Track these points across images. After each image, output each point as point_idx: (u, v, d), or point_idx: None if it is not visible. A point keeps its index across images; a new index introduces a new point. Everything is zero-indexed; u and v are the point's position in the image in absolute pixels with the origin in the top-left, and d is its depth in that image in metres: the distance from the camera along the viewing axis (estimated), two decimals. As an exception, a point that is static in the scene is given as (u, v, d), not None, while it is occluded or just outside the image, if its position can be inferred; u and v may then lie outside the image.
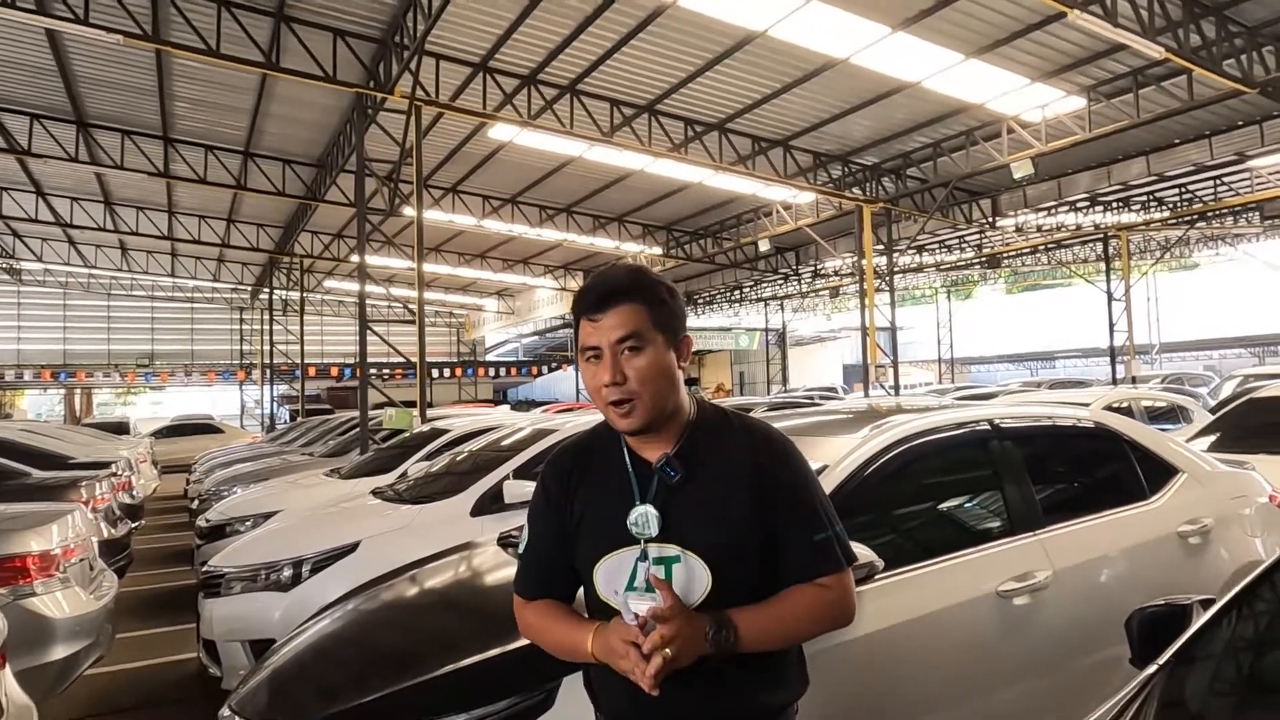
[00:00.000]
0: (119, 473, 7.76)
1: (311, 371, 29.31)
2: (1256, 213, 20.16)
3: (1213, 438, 5.84)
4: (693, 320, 33.79)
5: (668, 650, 1.27)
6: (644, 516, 1.40)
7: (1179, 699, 1.40)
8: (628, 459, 1.47)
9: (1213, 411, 8.63)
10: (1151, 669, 1.42)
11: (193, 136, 14.05)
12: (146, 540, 9.46)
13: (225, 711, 2.27)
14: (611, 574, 1.43)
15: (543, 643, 1.53)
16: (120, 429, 18.82)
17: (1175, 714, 1.38)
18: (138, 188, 16.83)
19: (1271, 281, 26.85)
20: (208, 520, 6.26)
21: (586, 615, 1.50)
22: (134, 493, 8.37)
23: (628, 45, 10.44)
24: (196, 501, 8.55)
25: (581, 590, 1.53)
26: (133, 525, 7.28)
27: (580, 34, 10.15)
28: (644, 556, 1.39)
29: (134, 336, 33.04)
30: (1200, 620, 1.50)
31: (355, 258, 12.67)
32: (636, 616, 1.33)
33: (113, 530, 6.27)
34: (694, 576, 1.38)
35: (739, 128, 13.53)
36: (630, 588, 1.39)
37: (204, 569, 4.51)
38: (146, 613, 6.35)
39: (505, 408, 22.68)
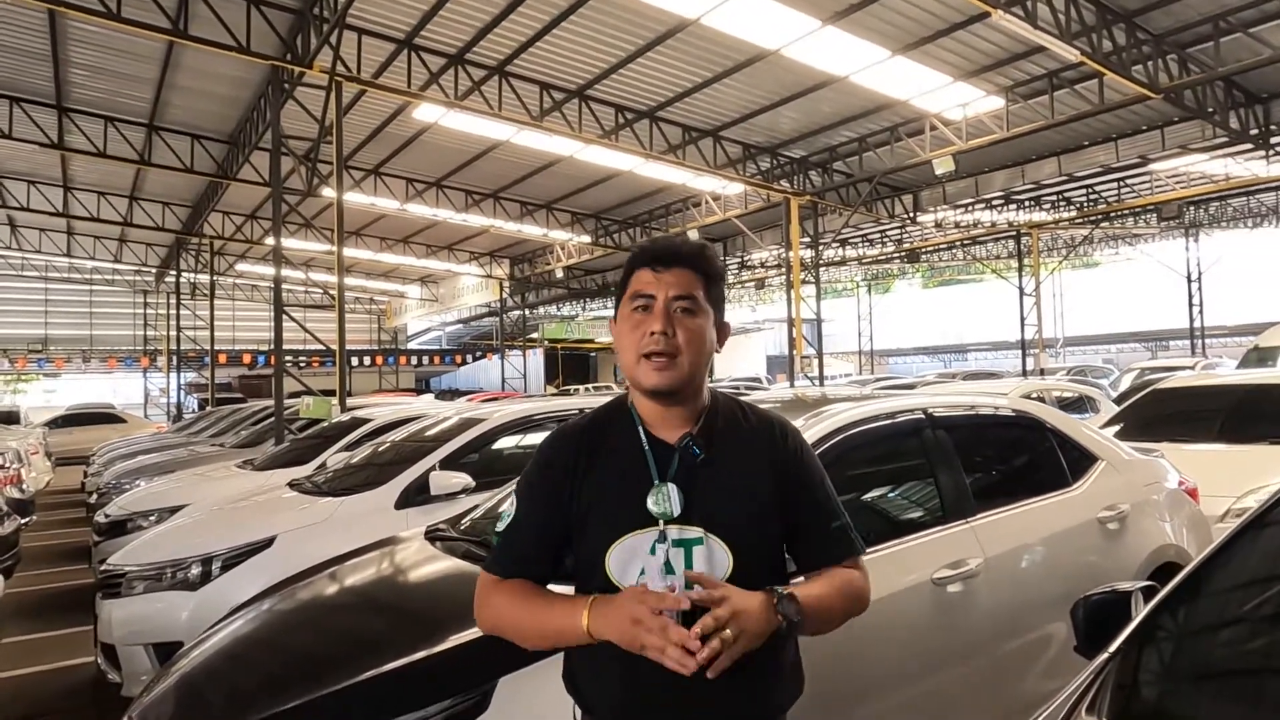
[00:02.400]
0: (7, 465, 7.32)
1: (222, 358, 28.08)
2: (1154, 214, 21.34)
3: (1119, 426, 6.10)
4: (620, 309, 33.69)
5: (727, 631, 1.20)
6: (665, 495, 1.34)
7: (1131, 683, 1.42)
8: (644, 437, 1.40)
9: (1118, 402, 9.08)
10: (1104, 656, 1.43)
11: (91, 106, 13.19)
12: (38, 537, 8.86)
13: (126, 723, 2.09)
14: (626, 557, 1.33)
15: (515, 628, 1.39)
16: (9, 418, 17.66)
17: (1129, 698, 1.40)
18: (28, 160, 15.71)
19: (1165, 280, 28.53)
20: (107, 515, 5.91)
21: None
22: (24, 486, 7.90)
23: (559, 27, 10.26)
24: (95, 495, 8.09)
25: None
26: (22, 521, 6.81)
27: (510, 13, 9.92)
28: (663, 538, 1.33)
29: (25, 320, 31.11)
30: (1146, 608, 1.52)
31: (270, 240, 12.15)
32: (670, 587, 1.27)
33: (-2, 527, 5.82)
34: (715, 560, 1.33)
35: (670, 116, 13.51)
36: (647, 571, 1.32)
37: (103, 567, 4.24)
38: (37, 615, 5.93)
39: (429, 397, 22.21)
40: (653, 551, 1.32)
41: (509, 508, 1.45)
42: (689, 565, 1.31)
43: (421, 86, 11.14)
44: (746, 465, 1.41)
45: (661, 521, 1.33)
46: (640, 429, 1.41)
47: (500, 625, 1.41)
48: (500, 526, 1.44)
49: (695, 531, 1.33)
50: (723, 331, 1.47)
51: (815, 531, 1.44)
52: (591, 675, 1.37)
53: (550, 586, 1.43)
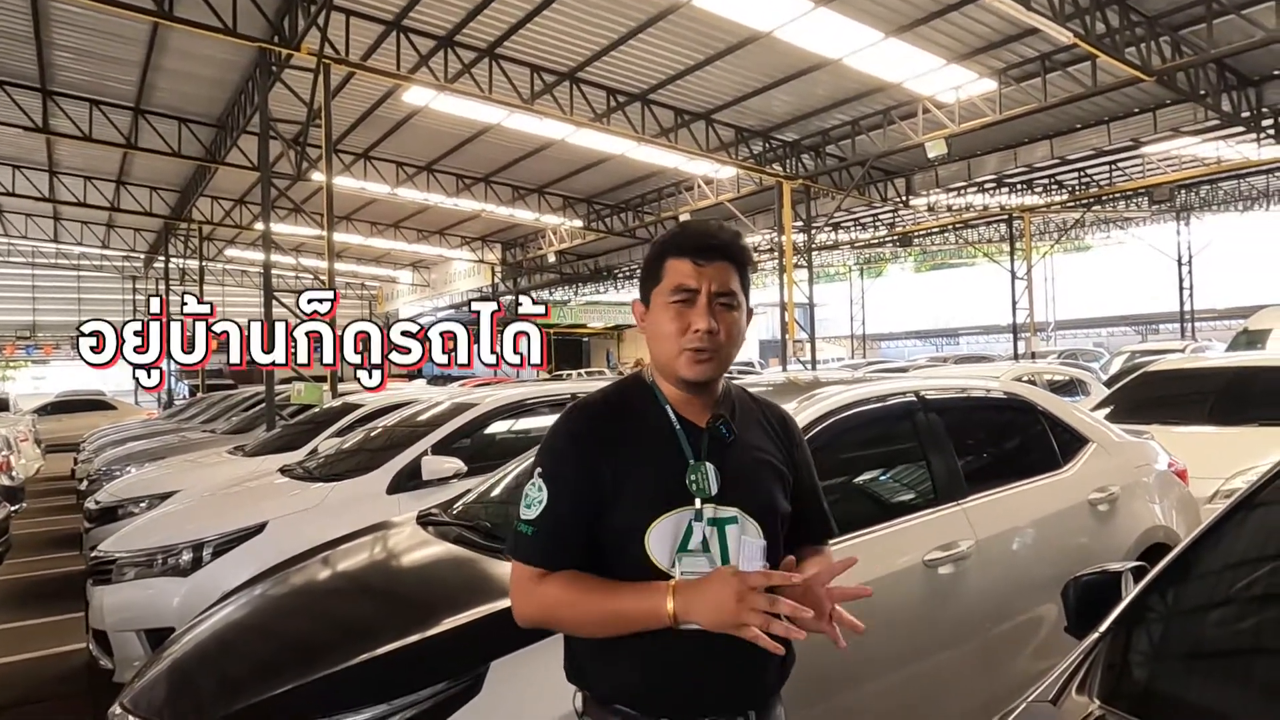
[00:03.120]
0: (-5, 452, 7.23)
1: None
2: (1145, 197, 21.39)
3: (1110, 409, 6.13)
4: (612, 295, 33.69)
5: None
6: (704, 474, 1.35)
7: (1122, 663, 1.44)
8: (673, 417, 1.41)
9: (1108, 385, 9.11)
10: (1094, 636, 1.44)
11: (75, 90, 13.03)
12: (28, 524, 8.81)
13: (117, 709, 2.08)
14: (665, 536, 1.34)
15: (574, 619, 1.34)
16: (-2, 405, 17.55)
17: (1119, 677, 1.41)
18: (13, 144, 15.54)
19: (1155, 264, 28.62)
20: (98, 502, 5.89)
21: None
22: (13, 474, 7.88)
23: (549, 8, 10.16)
24: (85, 482, 8.07)
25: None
26: (12, 509, 6.81)
27: (500, -6, 9.82)
28: (699, 517, 1.34)
29: (13, 306, 30.89)
30: (1136, 589, 1.53)
31: (260, 225, 12.06)
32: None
33: (-12, 515, 5.81)
34: (748, 539, 1.35)
35: (662, 99, 13.42)
36: (685, 549, 1.33)
37: (94, 554, 4.23)
38: (27, 602, 5.93)
39: (421, 382, 22.13)
40: (689, 530, 1.33)
41: (537, 492, 1.38)
42: (723, 544, 1.34)
43: (411, 69, 11.02)
44: (765, 447, 1.45)
45: (698, 500, 1.34)
46: (668, 408, 1.42)
47: (552, 617, 1.36)
48: (531, 514, 1.37)
49: (730, 511, 1.35)
50: (749, 316, 1.49)
51: (812, 513, 1.50)
52: (605, 665, 1.37)
53: None
